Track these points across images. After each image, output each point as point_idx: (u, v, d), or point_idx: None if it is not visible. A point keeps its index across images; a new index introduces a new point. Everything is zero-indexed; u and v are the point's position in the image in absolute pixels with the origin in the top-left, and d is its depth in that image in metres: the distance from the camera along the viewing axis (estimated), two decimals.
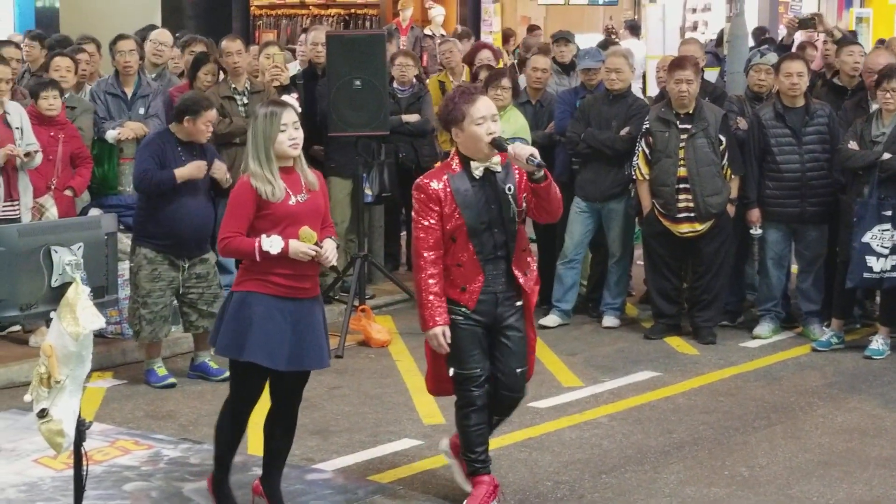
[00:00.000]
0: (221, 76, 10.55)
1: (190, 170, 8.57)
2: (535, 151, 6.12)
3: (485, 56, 12.57)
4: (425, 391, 8.59)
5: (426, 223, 6.26)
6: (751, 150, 9.99)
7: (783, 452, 7.47)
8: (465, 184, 6.25)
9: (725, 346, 9.98)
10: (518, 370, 6.42)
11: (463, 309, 6.31)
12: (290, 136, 6.09)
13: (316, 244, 6.08)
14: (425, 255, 6.26)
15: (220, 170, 8.80)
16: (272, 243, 6.01)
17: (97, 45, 11.42)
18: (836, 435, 7.82)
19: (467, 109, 6.19)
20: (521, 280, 6.36)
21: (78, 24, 15.14)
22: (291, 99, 9.93)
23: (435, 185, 6.26)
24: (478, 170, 6.25)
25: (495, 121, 6.22)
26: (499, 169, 6.26)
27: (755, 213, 10.07)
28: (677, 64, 10.03)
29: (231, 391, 6.31)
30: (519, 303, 6.42)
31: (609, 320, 10.57)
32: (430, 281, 6.24)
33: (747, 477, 7.05)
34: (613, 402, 8.47)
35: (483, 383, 6.41)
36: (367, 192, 10.76)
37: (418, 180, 6.36)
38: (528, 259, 6.45)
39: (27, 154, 9.12)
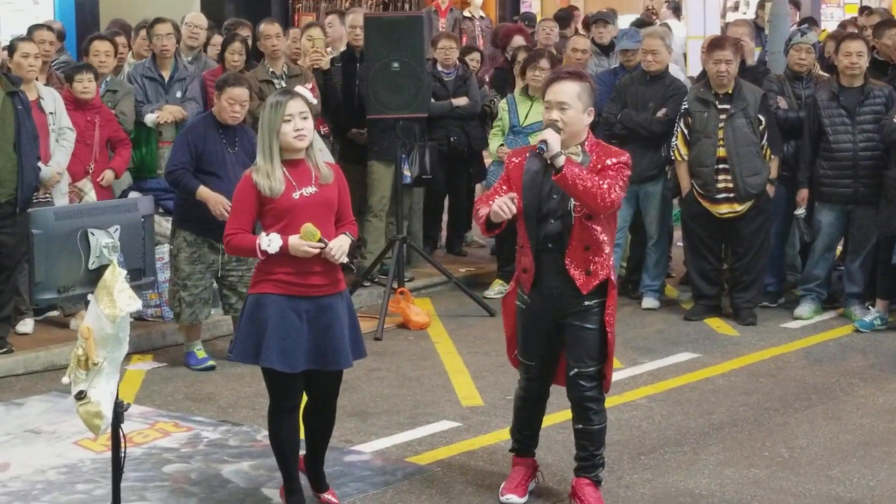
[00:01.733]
0: (260, 58, 10.57)
1: (210, 197, 8.41)
2: (550, 136, 5.83)
3: (517, 42, 12.50)
4: (463, 373, 8.65)
5: (494, 188, 6.16)
6: (806, 132, 9.91)
7: (824, 433, 7.43)
8: (537, 165, 6.03)
9: (766, 326, 9.93)
10: (572, 371, 6.13)
11: (525, 297, 6.18)
12: (296, 126, 5.86)
13: (321, 240, 5.83)
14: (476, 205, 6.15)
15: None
16: (270, 242, 5.81)
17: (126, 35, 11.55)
18: (878, 416, 7.76)
19: (545, 91, 6.10)
20: (578, 279, 6.01)
21: (117, 10, 15.23)
22: (304, 89, 9.81)
23: (514, 159, 6.14)
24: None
25: (562, 109, 5.93)
26: (578, 157, 5.97)
27: (802, 194, 10.02)
28: (716, 44, 9.97)
29: (270, 397, 6.11)
30: (589, 302, 6.05)
31: (648, 302, 10.54)
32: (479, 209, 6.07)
33: (787, 458, 7.01)
34: (653, 384, 8.44)
35: (540, 376, 6.31)
36: (406, 173, 10.74)
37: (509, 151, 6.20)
38: (595, 258, 5.98)
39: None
